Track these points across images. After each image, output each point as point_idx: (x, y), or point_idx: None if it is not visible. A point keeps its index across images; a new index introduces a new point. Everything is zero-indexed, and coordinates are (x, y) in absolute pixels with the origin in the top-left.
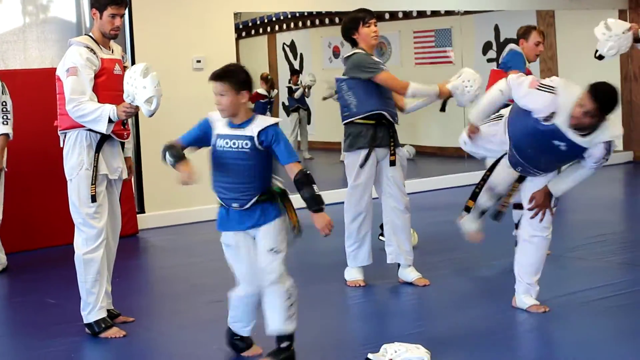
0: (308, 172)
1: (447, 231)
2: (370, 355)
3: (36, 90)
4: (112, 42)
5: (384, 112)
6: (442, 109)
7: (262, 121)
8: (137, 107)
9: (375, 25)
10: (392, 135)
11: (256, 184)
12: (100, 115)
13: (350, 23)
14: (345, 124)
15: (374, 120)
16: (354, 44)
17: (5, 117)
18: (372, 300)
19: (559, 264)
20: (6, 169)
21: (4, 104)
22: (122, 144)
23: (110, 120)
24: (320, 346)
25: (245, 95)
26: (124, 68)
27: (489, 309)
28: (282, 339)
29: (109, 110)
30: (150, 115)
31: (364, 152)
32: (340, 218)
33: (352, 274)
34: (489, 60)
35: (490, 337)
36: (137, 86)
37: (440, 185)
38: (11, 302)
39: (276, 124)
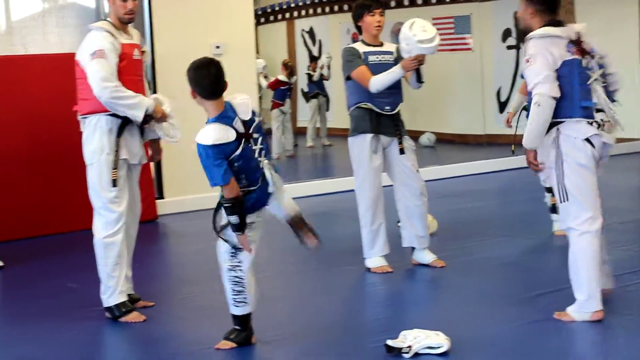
0: None
1: (467, 218)
2: (389, 342)
3: (55, 76)
4: (130, 28)
5: (368, 104)
6: (419, 80)
7: None
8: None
9: (381, 15)
10: (396, 123)
11: None
12: (140, 102)
13: (357, 10)
14: (349, 114)
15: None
16: (360, 31)
17: None
18: (390, 285)
19: None
20: None
21: None
22: (142, 130)
23: (147, 113)
24: (338, 333)
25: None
26: (142, 53)
27: (509, 296)
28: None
29: (149, 102)
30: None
31: (368, 137)
32: (356, 205)
33: (376, 261)
34: (509, 47)
35: (510, 324)
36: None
37: (460, 173)
38: (32, 287)
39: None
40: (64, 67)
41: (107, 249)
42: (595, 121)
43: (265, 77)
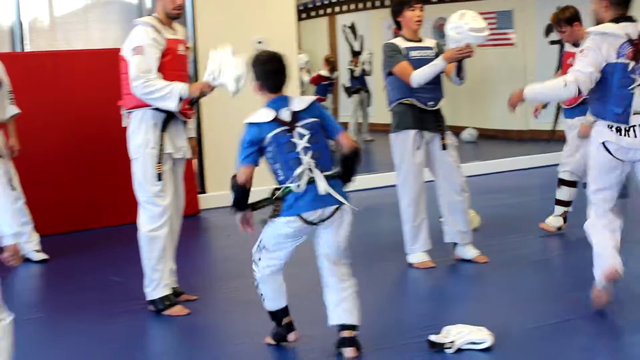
0: None
1: (509, 214)
2: (432, 338)
3: (98, 71)
4: (175, 24)
5: (410, 99)
6: (459, 75)
7: None
8: (212, 88)
9: (421, 10)
10: (438, 119)
11: None
12: (170, 92)
13: (397, 5)
14: (389, 110)
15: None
16: (399, 27)
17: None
18: (432, 281)
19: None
20: (19, 148)
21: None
22: (186, 124)
23: (181, 98)
24: (380, 328)
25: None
26: (187, 49)
27: (550, 293)
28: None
29: (180, 87)
30: (235, 93)
31: (411, 133)
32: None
33: (419, 257)
34: (552, 42)
35: (552, 320)
36: (226, 64)
37: (502, 168)
38: (76, 280)
39: None
40: (106, 62)
41: (151, 243)
42: (618, 127)
43: (308, 71)
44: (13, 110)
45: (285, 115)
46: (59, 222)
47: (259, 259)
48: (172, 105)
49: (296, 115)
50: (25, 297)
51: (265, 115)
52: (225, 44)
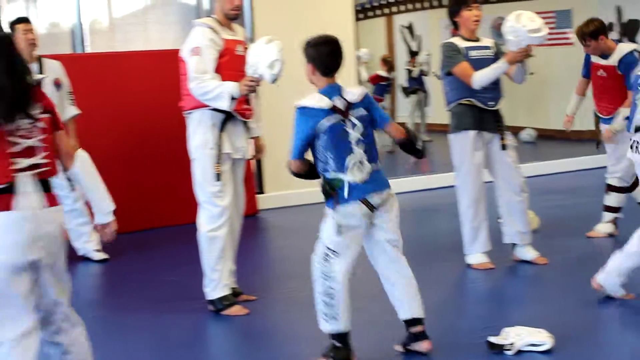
0: None
1: (569, 215)
2: (491, 339)
3: (157, 72)
4: (235, 25)
5: (471, 99)
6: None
7: None
8: (258, 80)
9: (479, 10)
10: (498, 119)
11: None
12: (222, 92)
13: (454, 5)
14: (448, 110)
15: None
16: (456, 27)
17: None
18: (491, 282)
19: None
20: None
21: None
22: (247, 124)
23: (232, 98)
24: (439, 329)
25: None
26: (246, 49)
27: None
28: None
29: (231, 87)
30: (273, 81)
31: (471, 133)
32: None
33: (478, 258)
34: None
35: (612, 324)
36: (260, 53)
37: (561, 169)
38: (135, 280)
39: None
40: (165, 63)
41: (210, 243)
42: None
43: (366, 64)
44: (73, 111)
45: (340, 104)
46: (119, 222)
47: (332, 271)
48: (225, 104)
49: (350, 105)
50: (86, 296)
51: (319, 100)
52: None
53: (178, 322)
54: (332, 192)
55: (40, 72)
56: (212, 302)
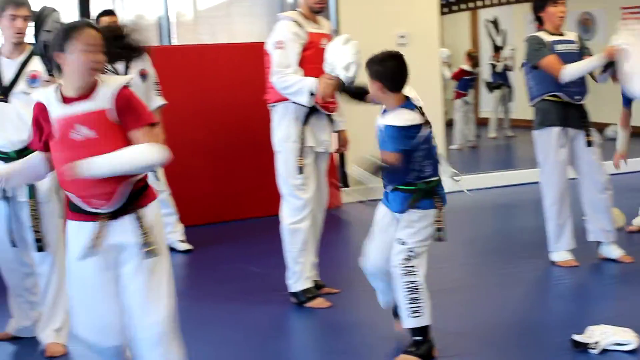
0: None
1: None
2: (575, 337)
3: (242, 64)
4: (321, 18)
5: (558, 94)
6: (605, 71)
7: None
8: (337, 78)
9: (564, 6)
10: (583, 115)
11: None
12: (301, 87)
13: (539, 1)
14: (532, 106)
15: (561, 99)
16: (540, 22)
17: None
18: (576, 280)
19: None
20: (164, 138)
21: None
22: (331, 118)
23: (311, 94)
24: (522, 326)
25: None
26: None
27: None
28: (412, 333)
29: (310, 83)
30: (349, 83)
31: (555, 130)
32: (540, 197)
33: (562, 255)
34: None
35: None
36: (337, 54)
37: None
38: (218, 271)
39: None
40: (250, 56)
41: (293, 235)
42: None
43: (449, 66)
44: (159, 101)
45: (420, 114)
46: (203, 213)
47: (414, 266)
48: (304, 100)
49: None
50: None
51: (414, 117)
52: (365, 36)
53: (261, 313)
54: (436, 197)
55: (127, 64)
56: (294, 294)
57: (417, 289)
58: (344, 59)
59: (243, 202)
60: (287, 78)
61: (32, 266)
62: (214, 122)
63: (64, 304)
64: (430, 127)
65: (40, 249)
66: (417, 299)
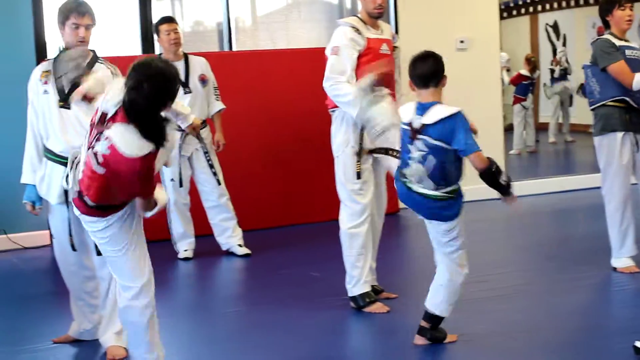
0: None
1: None
2: (638, 344)
3: (302, 70)
4: (382, 23)
5: (626, 98)
6: None
7: None
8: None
9: (631, 10)
10: None
11: None
12: (352, 100)
13: (606, 4)
14: (592, 110)
15: (624, 104)
16: (607, 26)
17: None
18: (637, 285)
19: None
20: (224, 143)
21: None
22: None
23: None
24: (583, 332)
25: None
26: (394, 48)
27: None
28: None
29: None
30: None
31: (619, 135)
32: (602, 202)
33: (624, 262)
34: None
35: None
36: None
37: None
38: (276, 275)
39: None
40: (309, 61)
41: (351, 240)
42: None
43: (508, 70)
44: (218, 106)
45: (416, 123)
46: (263, 218)
47: (465, 262)
48: (353, 112)
49: (422, 128)
50: (228, 290)
51: (405, 112)
52: (427, 44)
53: (319, 318)
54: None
55: (187, 69)
56: (353, 298)
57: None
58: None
59: (302, 207)
60: (339, 86)
61: (92, 269)
62: (274, 127)
63: None
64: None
65: (101, 252)
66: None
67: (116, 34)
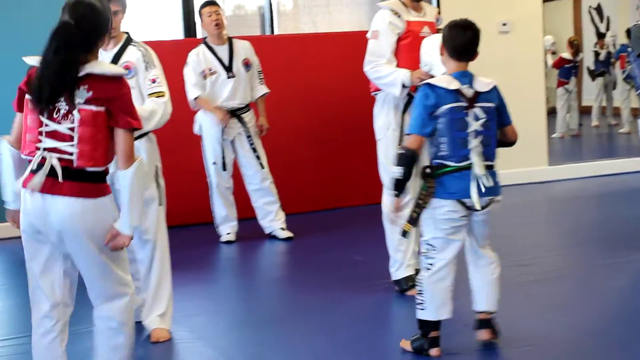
0: None
1: None
2: None
3: (344, 53)
4: (425, 4)
5: None
6: None
7: None
8: (432, 77)
9: None
10: None
11: None
12: (394, 79)
13: None
14: (638, 94)
15: None
16: None
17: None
18: None
19: None
20: (267, 127)
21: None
22: None
23: (404, 85)
24: (628, 317)
25: None
26: (438, 30)
27: None
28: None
29: (403, 75)
30: None
31: None
32: None
33: None
34: None
35: None
36: (434, 52)
37: None
38: (320, 258)
39: None
40: (352, 45)
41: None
42: None
43: (554, 53)
44: (262, 90)
45: (468, 91)
46: (306, 201)
47: (430, 264)
48: (396, 91)
49: (477, 95)
50: (271, 274)
51: (448, 81)
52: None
53: (362, 301)
54: (431, 182)
55: (231, 53)
56: (397, 282)
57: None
58: (442, 68)
59: (346, 190)
60: (379, 68)
61: (132, 252)
62: (316, 111)
63: (167, 289)
64: (470, 112)
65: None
66: (421, 293)
67: (159, 18)
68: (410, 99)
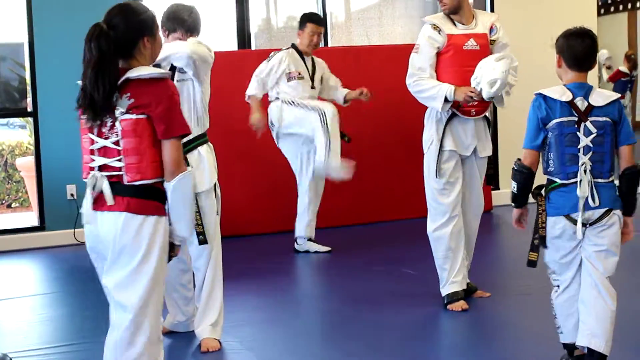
0: None
1: None
2: None
3: (396, 65)
4: (481, 15)
5: None
6: None
7: None
8: (479, 94)
9: None
10: None
11: None
12: (436, 93)
13: None
14: None
15: None
16: None
17: None
18: None
19: None
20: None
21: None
22: (488, 121)
23: (446, 100)
24: None
25: None
26: (491, 42)
27: None
28: None
29: (446, 89)
30: (489, 98)
31: None
32: None
33: None
34: None
35: None
36: (486, 68)
37: None
38: (371, 271)
39: None
40: (403, 57)
41: (436, 242)
42: None
43: (609, 67)
44: (344, 90)
45: (582, 104)
46: (360, 214)
47: (557, 285)
48: (437, 106)
49: (590, 109)
50: (319, 286)
51: (560, 93)
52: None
53: (409, 315)
54: (541, 199)
55: (313, 67)
56: (443, 298)
57: (553, 306)
58: (492, 74)
59: (398, 202)
60: (422, 82)
61: (188, 262)
62: (368, 123)
63: (218, 299)
64: (582, 127)
65: (203, 242)
66: (556, 317)
67: (213, 30)
68: (452, 115)
